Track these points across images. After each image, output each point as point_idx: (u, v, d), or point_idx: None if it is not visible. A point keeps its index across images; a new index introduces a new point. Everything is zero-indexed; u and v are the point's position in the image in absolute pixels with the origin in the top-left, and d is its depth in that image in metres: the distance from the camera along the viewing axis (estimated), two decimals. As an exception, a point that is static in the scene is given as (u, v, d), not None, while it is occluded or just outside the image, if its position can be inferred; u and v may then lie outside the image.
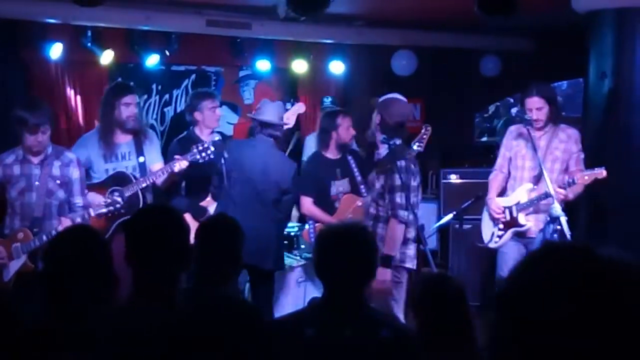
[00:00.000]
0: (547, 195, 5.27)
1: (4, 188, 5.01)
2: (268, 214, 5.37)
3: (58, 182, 5.06)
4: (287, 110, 6.49)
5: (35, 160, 5.00)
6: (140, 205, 5.50)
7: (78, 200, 5.16)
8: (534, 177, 5.57)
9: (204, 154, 5.30)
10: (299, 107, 6.62)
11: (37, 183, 4.99)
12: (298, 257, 6.59)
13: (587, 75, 6.31)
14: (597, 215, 6.10)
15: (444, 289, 3.07)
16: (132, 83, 5.98)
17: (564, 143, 5.54)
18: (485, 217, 5.86)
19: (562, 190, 5.30)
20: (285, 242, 6.87)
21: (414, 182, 5.02)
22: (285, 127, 6.37)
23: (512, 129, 5.84)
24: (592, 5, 6.12)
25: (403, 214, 4.86)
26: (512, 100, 6.32)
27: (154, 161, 5.72)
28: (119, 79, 7.54)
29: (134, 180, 5.50)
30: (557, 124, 5.56)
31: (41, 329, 2.68)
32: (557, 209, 5.12)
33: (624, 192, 5.86)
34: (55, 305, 2.76)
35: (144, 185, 5.48)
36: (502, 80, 8.77)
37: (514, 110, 5.80)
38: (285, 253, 6.67)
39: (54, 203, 5.05)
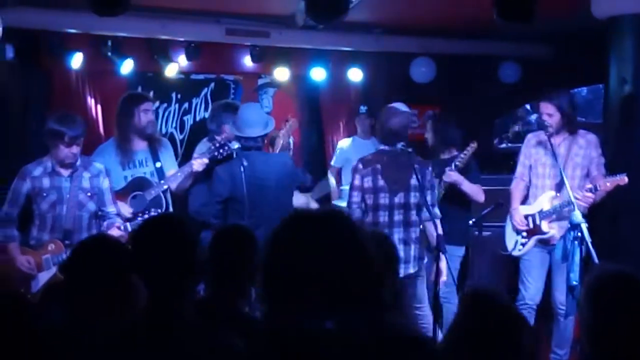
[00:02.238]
0: (569, 202, 5.23)
1: (31, 200, 5.03)
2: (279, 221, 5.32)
3: (88, 194, 5.10)
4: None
5: (65, 172, 5.03)
6: (163, 209, 5.55)
7: (112, 209, 5.20)
8: (556, 185, 5.55)
9: (221, 150, 5.33)
10: (294, 124, 6.64)
11: (67, 196, 5.01)
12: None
13: (608, 81, 6.27)
14: (616, 222, 6.05)
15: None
16: (151, 92, 6.05)
17: (584, 149, 5.52)
18: (508, 226, 5.85)
19: (590, 194, 5.29)
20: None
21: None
22: (286, 143, 6.48)
23: (530, 136, 5.82)
24: (612, 10, 6.08)
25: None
26: (528, 107, 6.28)
27: (170, 167, 5.76)
28: (138, 88, 7.62)
29: (154, 184, 5.54)
30: (574, 131, 5.54)
31: (59, 338, 2.69)
32: (578, 215, 5.09)
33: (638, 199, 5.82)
34: (73, 314, 2.78)
35: (165, 187, 5.53)
36: (521, 87, 8.72)
37: (533, 117, 5.76)
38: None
39: (84, 215, 5.08)
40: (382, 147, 5.33)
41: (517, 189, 5.81)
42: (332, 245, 1.79)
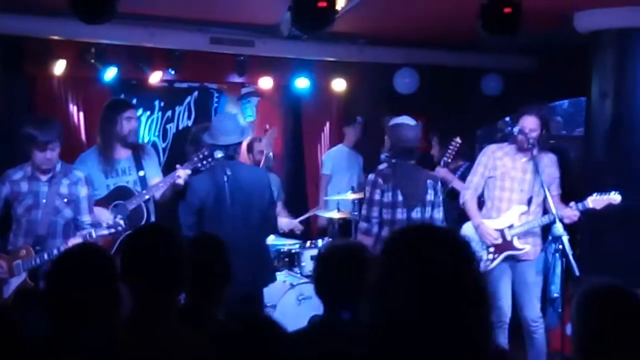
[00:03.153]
0: (553, 219, 5.22)
1: (10, 204, 5.01)
2: (257, 231, 5.32)
3: (65, 200, 5.06)
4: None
5: (44, 177, 5.00)
6: (144, 219, 5.53)
7: (86, 218, 5.16)
8: (527, 200, 5.52)
9: (204, 162, 5.28)
10: (273, 133, 6.68)
11: (44, 201, 4.99)
12: (299, 275, 6.59)
13: (589, 94, 6.34)
14: (597, 235, 6.10)
15: None
16: (134, 100, 6.03)
17: (548, 167, 5.54)
18: (473, 240, 5.78)
19: (576, 212, 5.31)
20: (286, 259, 6.90)
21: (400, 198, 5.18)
22: (267, 151, 6.49)
23: (494, 147, 5.75)
24: (594, 25, 6.16)
25: (362, 225, 5.23)
26: (508, 120, 6.33)
27: (154, 176, 5.74)
28: (122, 96, 7.59)
29: (136, 194, 5.52)
30: (543, 149, 5.55)
31: (41, 344, 2.68)
32: (559, 228, 5.12)
33: (624, 212, 5.85)
34: (54, 322, 2.76)
35: (146, 197, 5.51)
36: (504, 99, 8.77)
37: (516, 129, 5.75)
38: (286, 270, 6.69)
39: (59, 222, 5.05)
40: (393, 160, 5.29)
41: (472, 200, 5.72)
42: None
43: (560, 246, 5.10)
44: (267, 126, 6.75)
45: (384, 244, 1.85)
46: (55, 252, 4.80)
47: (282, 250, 6.89)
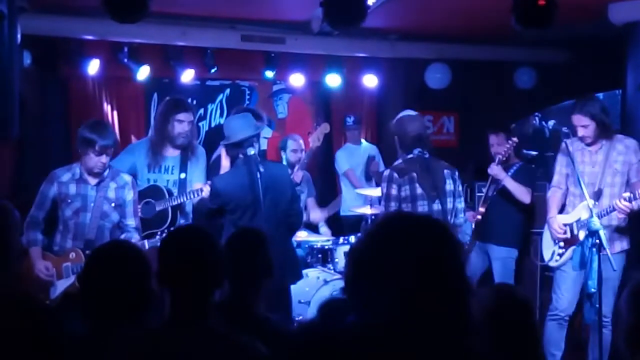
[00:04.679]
0: (591, 214, 5.12)
1: (57, 205, 5.02)
2: (281, 227, 5.24)
3: (113, 204, 5.07)
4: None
5: (92, 181, 5.01)
6: (167, 223, 5.55)
7: (130, 222, 5.16)
8: (594, 193, 5.41)
9: None
10: (325, 128, 6.63)
11: (92, 204, 5.00)
12: (332, 271, 6.59)
13: (625, 87, 6.24)
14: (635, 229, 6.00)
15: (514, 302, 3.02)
16: (167, 98, 6.05)
17: (623, 155, 5.32)
18: (546, 235, 5.69)
19: (628, 203, 5.14)
20: (319, 255, 6.90)
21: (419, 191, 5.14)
22: (315, 147, 6.49)
23: (568, 142, 5.56)
24: (629, 17, 6.07)
25: None
26: (538, 115, 6.26)
27: (197, 180, 5.76)
28: (154, 95, 7.65)
29: (168, 197, 5.56)
30: (611, 136, 5.35)
31: (76, 344, 2.69)
32: (596, 222, 5.03)
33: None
34: (90, 321, 2.77)
35: (175, 203, 5.54)
36: (537, 93, 8.69)
37: (551, 123, 5.66)
38: (319, 266, 6.69)
39: (107, 226, 5.07)
40: (408, 155, 5.26)
41: (554, 197, 5.62)
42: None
43: (597, 240, 5.02)
44: (316, 124, 6.74)
45: (366, 232, 1.89)
46: None
47: (314, 246, 6.90)
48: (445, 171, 5.23)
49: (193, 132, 5.92)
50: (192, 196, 5.56)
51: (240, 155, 5.12)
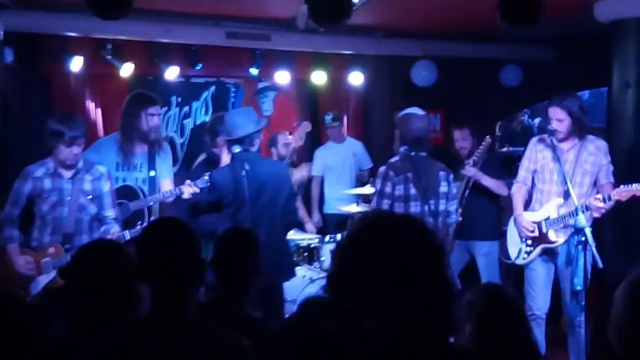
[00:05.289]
0: (576, 212, 5.13)
1: (32, 201, 4.98)
2: (277, 225, 5.27)
3: (89, 197, 5.04)
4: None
5: (67, 174, 4.98)
6: (145, 219, 5.51)
7: (109, 213, 5.13)
8: (564, 192, 5.42)
9: None
10: (306, 126, 6.59)
11: (69, 198, 4.96)
12: (318, 269, 6.57)
13: (610, 84, 6.24)
14: (623, 227, 6.01)
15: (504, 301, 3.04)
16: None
17: (593, 155, 5.37)
18: (511, 232, 5.71)
19: (602, 204, 5.16)
20: (306, 254, 6.88)
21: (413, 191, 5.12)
22: (298, 145, 6.48)
23: (536, 140, 5.68)
24: (615, 14, 6.07)
25: None
26: (527, 111, 6.27)
27: (164, 176, 5.72)
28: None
29: (142, 197, 5.50)
30: (584, 135, 5.39)
31: (60, 343, 2.66)
32: (582, 220, 5.03)
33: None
34: (75, 320, 2.74)
35: (151, 204, 5.50)
36: (523, 90, 8.69)
37: (537, 120, 5.69)
38: (305, 265, 6.67)
39: (85, 218, 5.03)
40: (404, 152, 5.21)
41: (519, 193, 5.65)
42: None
43: (583, 238, 5.01)
44: (297, 122, 6.72)
45: (347, 232, 1.90)
46: None
47: (301, 244, 6.87)
48: (441, 173, 5.21)
49: (161, 127, 5.89)
50: (167, 195, 5.52)
51: (239, 150, 5.11)
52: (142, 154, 5.68)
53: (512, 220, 5.76)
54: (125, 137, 5.64)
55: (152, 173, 5.66)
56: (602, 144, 5.43)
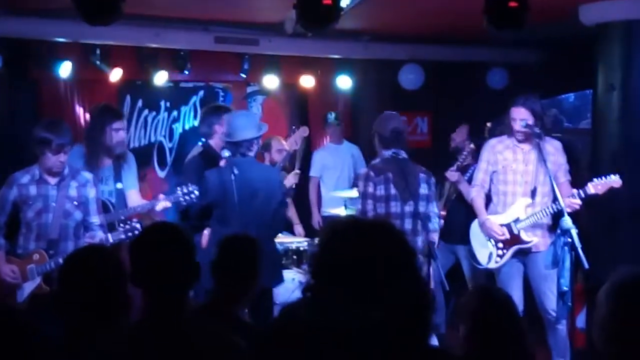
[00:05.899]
0: (559, 209, 5.21)
1: (18, 208, 4.98)
2: (267, 229, 5.29)
3: (75, 203, 5.03)
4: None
5: (52, 181, 4.98)
6: None
7: (95, 220, 5.13)
8: (530, 192, 5.50)
9: (187, 197, 5.34)
10: (304, 131, 6.62)
11: (54, 204, 4.96)
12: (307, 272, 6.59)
13: (595, 87, 6.30)
14: (608, 228, 6.07)
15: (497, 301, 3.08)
16: (140, 100, 6.00)
17: (553, 155, 5.52)
18: (476, 237, 5.77)
19: (577, 201, 5.27)
20: (294, 257, 6.90)
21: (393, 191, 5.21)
22: (293, 150, 6.50)
23: (494, 142, 5.76)
24: (600, 17, 6.12)
25: None
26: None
27: (130, 187, 5.72)
28: (127, 97, 7.59)
29: (112, 210, 5.51)
30: (542, 137, 5.50)
31: (53, 349, 2.67)
32: (568, 221, 5.09)
33: (634, 204, 5.82)
34: (65, 326, 2.76)
35: (122, 217, 5.48)
36: (509, 93, 8.70)
37: (522, 123, 5.76)
38: (294, 268, 6.69)
39: (70, 224, 5.03)
40: (386, 155, 5.32)
41: (479, 197, 5.73)
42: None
43: (569, 239, 5.08)
44: (294, 126, 6.74)
45: (321, 237, 1.94)
46: None
47: (289, 247, 6.89)
48: (421, 175, 5.29)
49: (125, 142, 5.86)
50: (138, 210, 5.54)
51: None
52: (107, 168, 5.66)
53: (474, 225, 5.80)
54: (90, 152, 5.62)
55: (119, 185, 5.65)
56: (559, 144, 5.62)
